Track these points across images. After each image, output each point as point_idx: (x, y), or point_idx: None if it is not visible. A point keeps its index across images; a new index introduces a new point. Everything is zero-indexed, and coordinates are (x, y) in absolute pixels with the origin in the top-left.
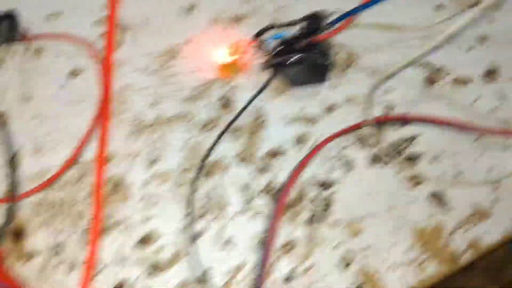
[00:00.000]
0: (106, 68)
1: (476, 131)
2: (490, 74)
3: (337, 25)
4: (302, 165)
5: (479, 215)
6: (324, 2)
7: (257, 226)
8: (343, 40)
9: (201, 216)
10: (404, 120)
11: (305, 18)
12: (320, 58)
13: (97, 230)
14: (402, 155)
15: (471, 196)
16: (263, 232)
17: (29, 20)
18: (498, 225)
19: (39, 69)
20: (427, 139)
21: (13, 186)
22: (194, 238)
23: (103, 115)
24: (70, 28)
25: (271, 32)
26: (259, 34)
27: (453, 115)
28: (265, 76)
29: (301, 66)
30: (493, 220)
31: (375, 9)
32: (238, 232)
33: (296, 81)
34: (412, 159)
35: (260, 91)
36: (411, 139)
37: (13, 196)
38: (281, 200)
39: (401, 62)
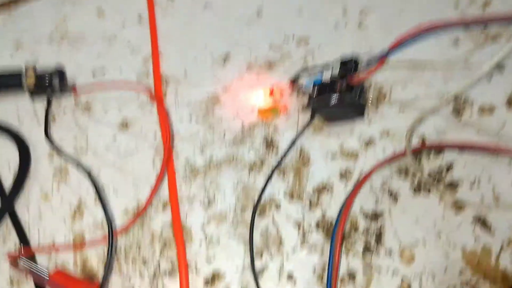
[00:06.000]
0: (162, 115)
1: (508, 154)
2: None
3: (371, 67)
4: (350, 199)
5: None
6: (346, 45)
7: (315, 259)
8: (374, 78)
9: (261, 253)
10: (439, 149)
11: (340, 61)
12: (359, 99)
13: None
14: (442, 182)
15: None
16: (322, 265)
17: (75, 76)
18: None
19: (91, 123)
20: (463, 166)
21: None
22: (257, 275)
23: (167, 164)
24: None
25: (307, 75)
26: (295, 77)
27: (484, 143)
28: (302, 116)
29: (341, 106)
30: None
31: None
32: (298, 267)
33: (335, 119)
34: (453, 186)
35: (302, 132)
36: (449, 166)
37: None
38: (338, 234)
39: (429, 96)
